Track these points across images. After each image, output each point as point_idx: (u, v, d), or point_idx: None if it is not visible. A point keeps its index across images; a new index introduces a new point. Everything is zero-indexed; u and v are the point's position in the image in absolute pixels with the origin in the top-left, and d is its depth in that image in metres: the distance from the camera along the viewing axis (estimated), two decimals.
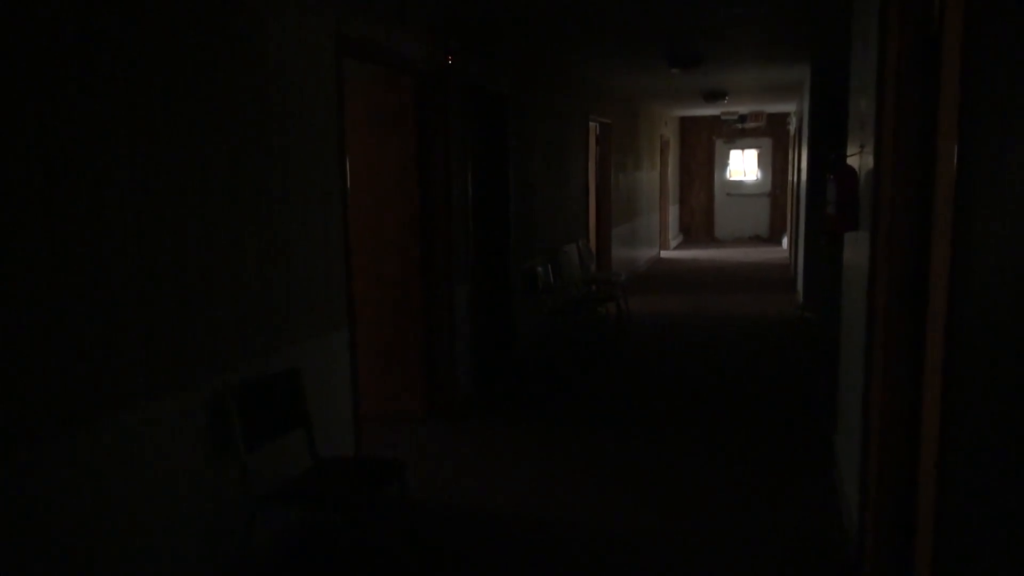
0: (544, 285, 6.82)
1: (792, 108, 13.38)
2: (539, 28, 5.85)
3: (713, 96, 10.71)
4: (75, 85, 2.21)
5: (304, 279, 3.42)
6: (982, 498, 1.59)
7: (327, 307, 3.63)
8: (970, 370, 1.70)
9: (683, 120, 16.84)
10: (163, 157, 2.55)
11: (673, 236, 15.95)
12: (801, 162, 9.58)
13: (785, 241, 14.49)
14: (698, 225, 17.33)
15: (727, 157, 16.98)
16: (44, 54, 2.11)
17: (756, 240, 16.62)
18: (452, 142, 5.02)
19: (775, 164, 16.54)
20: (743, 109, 13.52)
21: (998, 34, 1.58)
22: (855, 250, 3.53)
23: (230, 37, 2.89)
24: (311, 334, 3.48)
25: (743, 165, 16.97)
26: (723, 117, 14.60)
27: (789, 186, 13.63)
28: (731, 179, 17.03)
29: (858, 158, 3.47)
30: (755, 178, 16.86)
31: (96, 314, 2.29)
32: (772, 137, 16.28)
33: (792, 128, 13.38)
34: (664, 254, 14.52)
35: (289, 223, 3.29)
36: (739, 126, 15.05)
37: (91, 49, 2.26)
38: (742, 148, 16.83)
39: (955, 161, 1.81)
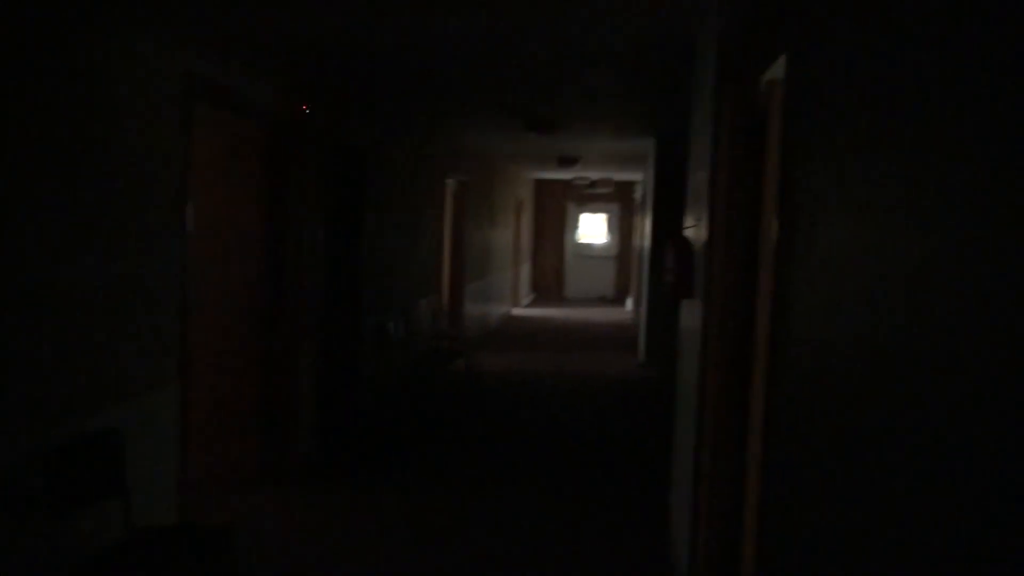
0: (395, 340, 6.74)
1: (639, 177, 14.16)
2: (394, 88, 5.90)
3: (566, 161, 11.14)
4: None
5: (132, 332, 3.19)
6: (798, 548, 1.68)
7: (157, 361, 3.40)
8: (785, 433, 1.81)
9: (538, 182, 17.39)
10: None
11: (525, 294, 16.27)
12: (646, 228, 10.10)
13: (629, 302, 15.14)
14: (549, 284, 17.80)
15: (578, 220, 17.65)
16: None
17: (602, 301, 17.25)
18: (306, 193, 4.91)
19: (622, 229, 17.34)
20: (594, 175, 14.15)
21: (809, 125, 1.74)
22: (690, 316, 3.73)
23: (68, 72, 2.71)
24: (137, 390, 3.24)
25: (592, 228, 17.69)
26: (575, 181, 15.20)
27: (634, 250, 14.32)
28: (581, 241, 17.68)
29: (694, 230, 3.70)
30: (603, 241, 17.60)
31: None
32: (620, 203, 17.09)
33: (638, 196, 14.13)
34: (516, 311, 14.77)
35: (119, 269, 3.08)
36: (589, 191, 15.71)
37: None
38: (592, 212, 17.56)
39: (776, 237, 1.96)
